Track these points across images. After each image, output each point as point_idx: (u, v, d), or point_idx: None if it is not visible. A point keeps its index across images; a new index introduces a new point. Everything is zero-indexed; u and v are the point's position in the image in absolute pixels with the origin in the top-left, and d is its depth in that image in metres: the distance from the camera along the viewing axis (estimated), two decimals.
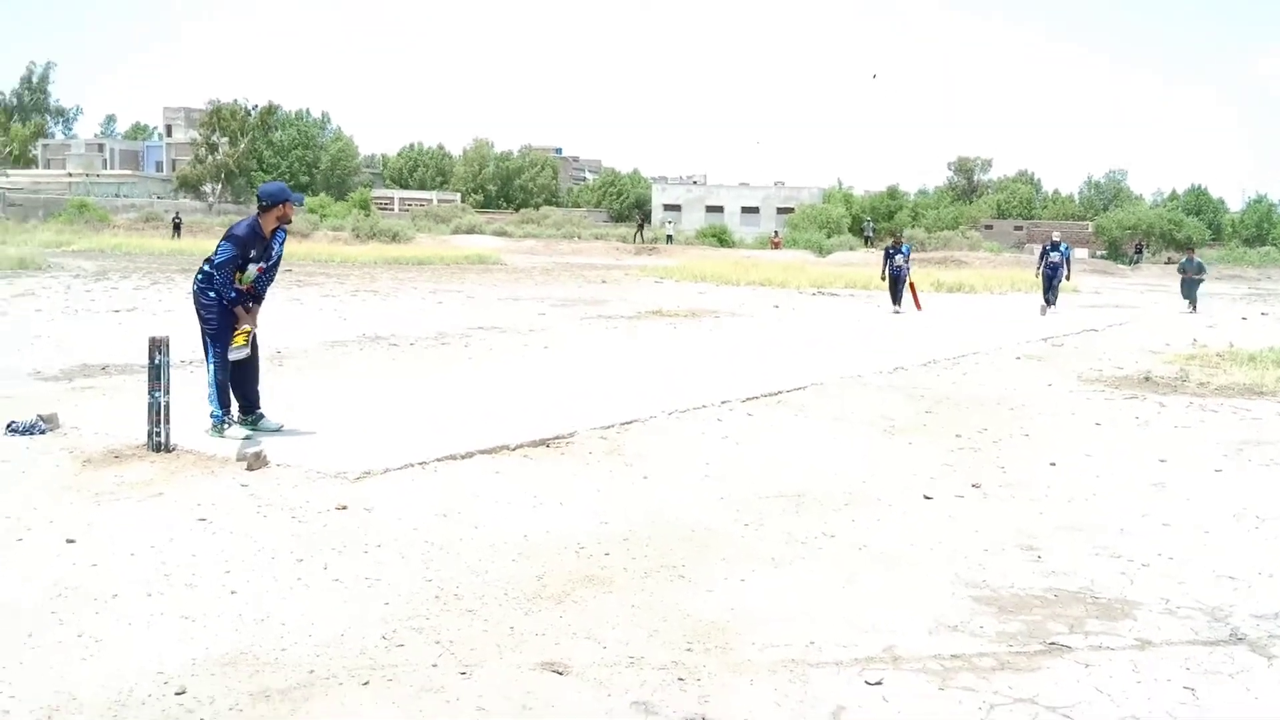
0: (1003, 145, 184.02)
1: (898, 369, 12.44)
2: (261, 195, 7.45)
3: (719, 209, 76.60)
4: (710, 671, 4.02)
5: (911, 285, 22.41)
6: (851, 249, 52.91)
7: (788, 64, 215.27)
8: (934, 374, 12.27)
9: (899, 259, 22.29)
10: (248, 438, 7.19)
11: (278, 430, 7.49)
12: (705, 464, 7.35)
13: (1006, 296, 28.11)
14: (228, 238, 7.30)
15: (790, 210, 71.13)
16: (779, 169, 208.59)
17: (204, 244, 37.08)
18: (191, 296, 7.49)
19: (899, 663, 4.17)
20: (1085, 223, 68.66)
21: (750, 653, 4.21)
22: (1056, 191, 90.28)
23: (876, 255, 48.18)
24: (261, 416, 7.53)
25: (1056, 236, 24.48)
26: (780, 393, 10.27)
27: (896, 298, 22.13)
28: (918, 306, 22.16)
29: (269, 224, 7.38)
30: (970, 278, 32.22)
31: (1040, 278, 23.41)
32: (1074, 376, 12.46)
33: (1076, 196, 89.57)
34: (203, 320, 7.36)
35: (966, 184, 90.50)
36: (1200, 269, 25.84)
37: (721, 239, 58.87)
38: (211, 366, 7.33)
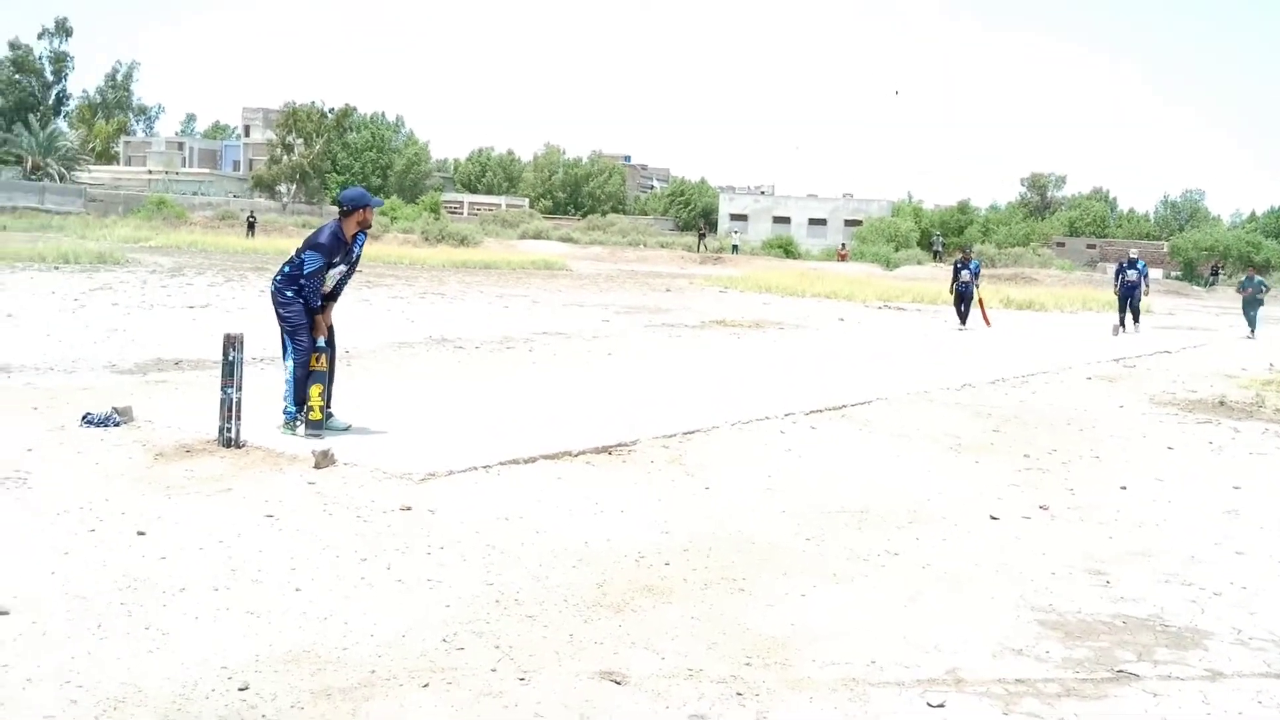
0: (1078, 162, 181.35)
1: (965, 386, 12.28)
2: (343, 200, 7.57)
3: (786, 220, 76.30)
4: (769, 687, 3.99)
5: (980, 301, 22.09)
6: (919, 263, 52.41)
7: (861, 74, 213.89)
8: (1002, 392, 12.09)
9: (966, 274, 21.97)
10: (317, 436, 7.30)
11: (346, 430, 7.59)
12: (767, 476, 7.31)
13: (1077, 315, 27.65)
14: (314, 247, 7.41)
15: (858, 223, 70.68)
16: (848, 181, 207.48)
17: (277, 243, 37.82)
18: (270, 295, 7.63)
19: (961, 685, 4.11)
20: (1160, 243, 67.30)
21: (810, 669, 4.17)
22: (1131, 210, 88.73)
23: (945, 270, 47.72)
24: (331, 415, 7.63)
25: (1134, 253, 23.89)
26: (845, 406, 10.19)
27: (963, 314, 21.77)
28: (986, 323, 21.82)
29: (350, 229, 7.50)
30: (1041, 295, 31.77)
31: (1116, 296, 22.97)
32: (1146, 399, 12.21)
33: (1152, 216, 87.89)
34: (281, 319, 7.48)
35: (1039, 200, 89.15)
36: (1261, 288, 24.70)
37: (787, 250, 58.67)
38: (290, 364, 7.45)
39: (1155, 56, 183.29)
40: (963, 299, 21.82)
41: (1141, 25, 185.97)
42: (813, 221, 76.07)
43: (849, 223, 73.09)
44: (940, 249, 58.00)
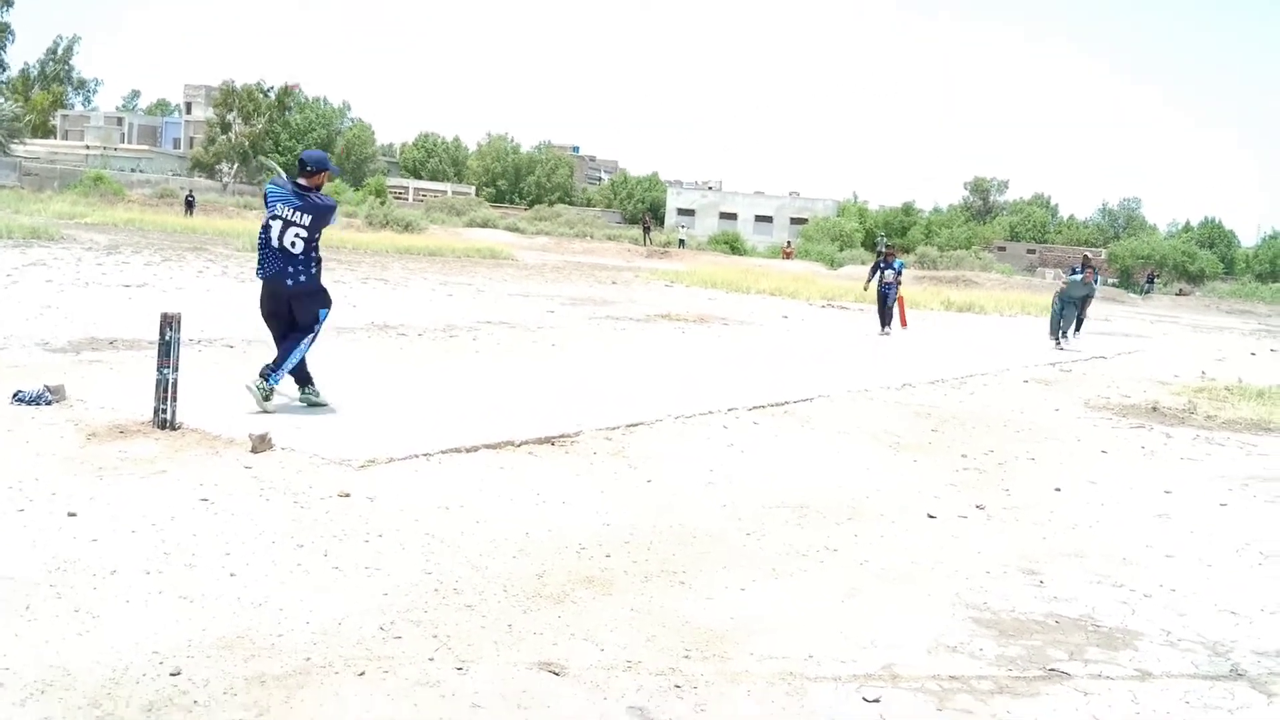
0: (1020, 167, 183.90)
1: (905, 385, 12.41)
2: (306, 160, 7.81)
3: (733, 216, 76.62)
4: (707, 680, 3.99)
5: (900, 301, 20.74)
6: (863, 263, 52.82)
7: (809, 73, 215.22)
8: (941, 393, 12.24)
9: (890, 274, 20.16)
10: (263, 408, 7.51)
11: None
12: (709, 470, 7.33)
13: (1016, 319, 28.05)
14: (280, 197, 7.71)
15: (804, 221, 71.19)
16: (795, 179, 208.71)
17: (216, 223, 37.19)
18: (302, 279, 7.72)
19: (897, 681, 4.15)
20: (1098, 250, 68.56)
21: (748, 663, 4.19)
22: (1072, 216, 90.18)
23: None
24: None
25: (1091, 253, 22.54)
26: (787, 403, 10.25)
27: (885, 318, 20.12)
28: (903, 323, 20.78)
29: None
30: (981, 298, 32.17)
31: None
32: (1081, 403, 12.42)
33: (1090, 223, 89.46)
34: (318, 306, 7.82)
35: (982, 204, 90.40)
36: (1080, 285, 20.69)
37: (734, 246, 58.91)
38: (309, 341, 7.81)
39: (1105, 61, 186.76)
40: (883, 300, 20.19)
41: (1083, 34, 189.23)
42: (759, 218, 76.47)
43: (795, 220, 73.59)
44: (885, 250, 58.52)
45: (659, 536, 5.73)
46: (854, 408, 10.47)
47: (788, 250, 57.54)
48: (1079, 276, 20.91)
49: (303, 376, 7.97)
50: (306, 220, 7.66)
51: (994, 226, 79.90)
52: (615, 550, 5.44)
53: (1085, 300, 21.13)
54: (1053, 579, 5.62)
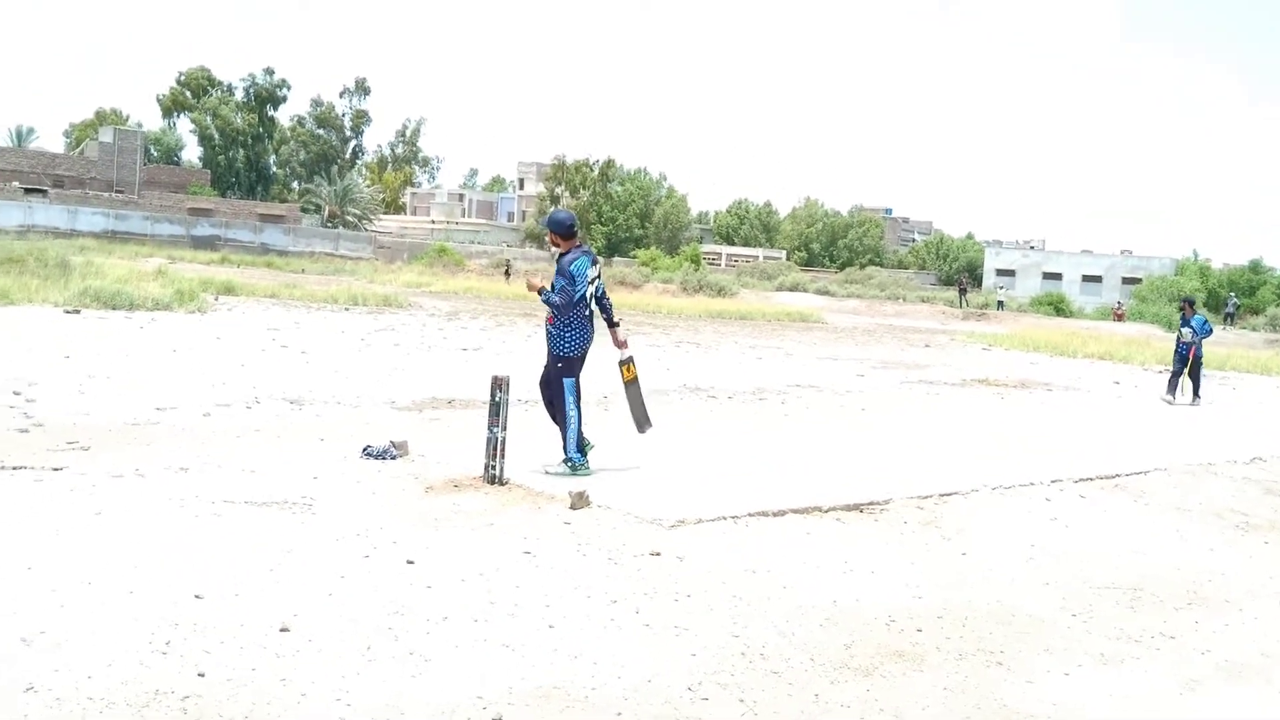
0: None
1: (1255, 459, 11.29)
2: (573, 223, 7.90)
3: (1057, 276, 72.89)
4: None
5: (1198, 365, 17.71)
6: None
7: (1137, 120, 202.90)
8: None
9: (1186, 332, 17.76)
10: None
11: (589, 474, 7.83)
12: (1030, 545, 6.95)
13: None
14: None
15: (1137, 281, 66.69)
16: (1127, 237, 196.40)
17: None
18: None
19: None
20: None
21: None
22: None
23: (1235, 335, 44.20)
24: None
25: None
26: (1118, 476, 9.57)
27: (1172, 383, 17.55)
28: (1195, 395, 17.69)
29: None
30: None
31: None
32: None
33: None
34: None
35: None
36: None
37: (1058, 308, 55.99)
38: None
39: None
40: (1180, 362, 17.63)
41: None
42: (1086, 278, 72.29)
43: (1126, 280, 69.05)
44: (1233, 311, 53.55)
45: (974, 613, 5.48)
46: (1194, 482, 9.63)
47: (1119, 312, 53.98)
48: None
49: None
50: (599, 275, 7.86)
51: None
52: (927, 625, 5.25)
53: None
54: None
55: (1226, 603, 6.02)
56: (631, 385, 8.20)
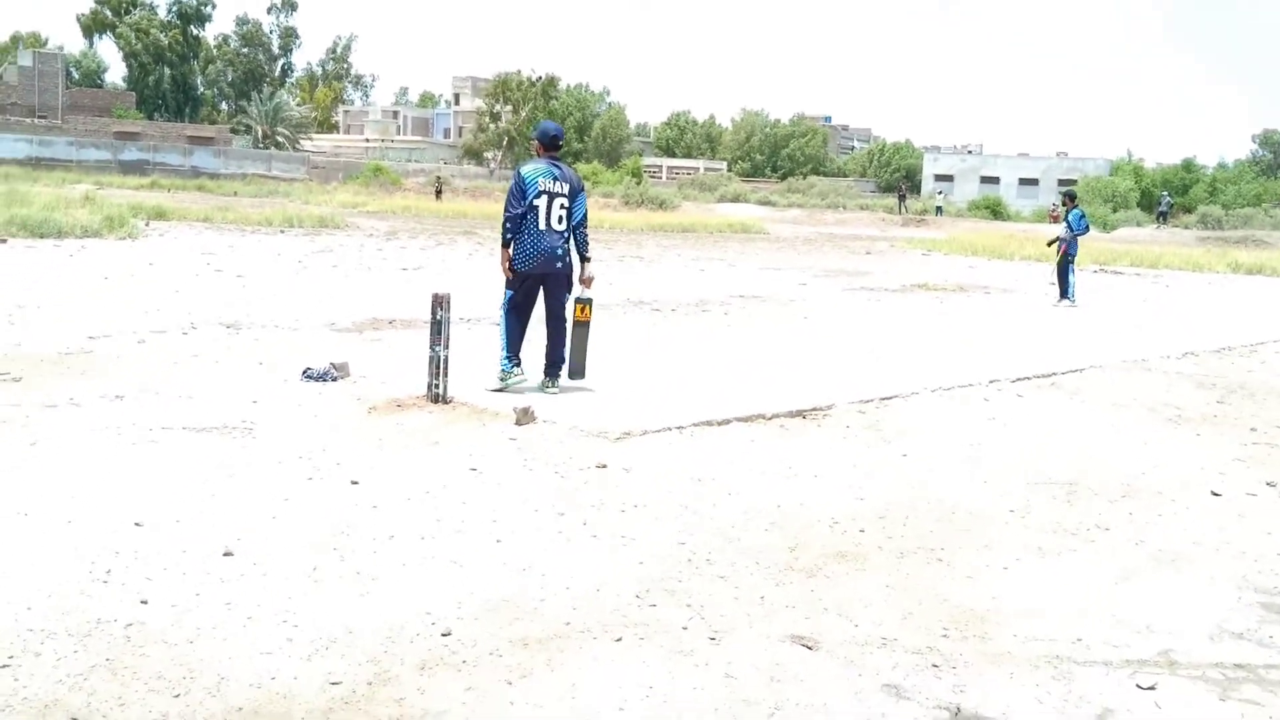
0: None
1: (1186, 354, 11.55)
2: (558, 134, 7.77)
3: (994, 180, 73.35)
4: (966, 660, 3.86)
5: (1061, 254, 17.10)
6: (1139, 225, 49.54)
7: (1072, 23, 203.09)
8: (1228, 361, 11.32)
9: (1063, 230, 17.23)
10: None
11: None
12: (970, 445, 7.07)
13: None
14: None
15: (1073, 182, 67.30)
16: (1062, 139, 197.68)
17: (462, 206, 38.98)
18: (568, 260, 7.70)
19: (1175, 668, 3.87)
20: None
21: (1011, 644, 4.02)
22: None
23: (1169, 233, 44.84)
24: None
25: None
26: (1054, 374, 9.74)
27: (1064, 285, 16.97)
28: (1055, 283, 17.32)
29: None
30: (1272, 260, 29.45)
31: None
32: None
33: None
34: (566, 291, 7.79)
35: (1273, 158, 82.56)
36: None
37: (996, 211, 56.51)
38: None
39: None
40: (1064, 259, 16.94)
41: None
42: (1023, 181, 72.85)
43: (1063, 182, 69.58)
44: (1167, 210, 54.19)
45: (915, 512, 5.58)
46: (1129, 379, 9.84)
47: (1055, 213, 54.52)
48: None
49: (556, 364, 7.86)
50: (566, 190, 7.56)
51: None
52: (869, 525, 5.34)
53: None
54: None
55: (1159, 494, 6.18)
56: (580, 327, 7.85)
